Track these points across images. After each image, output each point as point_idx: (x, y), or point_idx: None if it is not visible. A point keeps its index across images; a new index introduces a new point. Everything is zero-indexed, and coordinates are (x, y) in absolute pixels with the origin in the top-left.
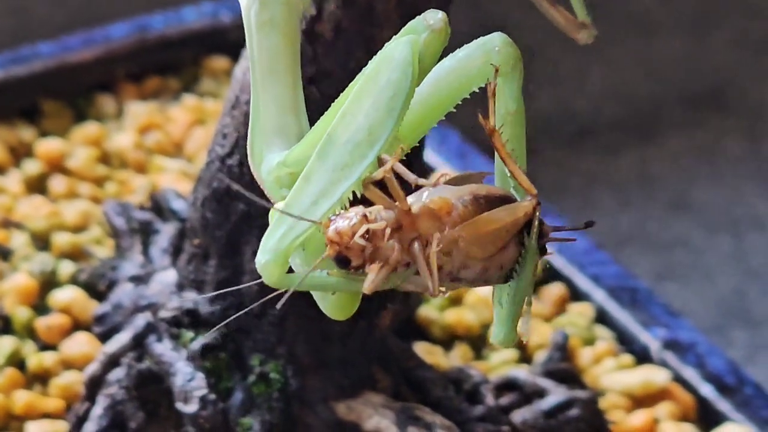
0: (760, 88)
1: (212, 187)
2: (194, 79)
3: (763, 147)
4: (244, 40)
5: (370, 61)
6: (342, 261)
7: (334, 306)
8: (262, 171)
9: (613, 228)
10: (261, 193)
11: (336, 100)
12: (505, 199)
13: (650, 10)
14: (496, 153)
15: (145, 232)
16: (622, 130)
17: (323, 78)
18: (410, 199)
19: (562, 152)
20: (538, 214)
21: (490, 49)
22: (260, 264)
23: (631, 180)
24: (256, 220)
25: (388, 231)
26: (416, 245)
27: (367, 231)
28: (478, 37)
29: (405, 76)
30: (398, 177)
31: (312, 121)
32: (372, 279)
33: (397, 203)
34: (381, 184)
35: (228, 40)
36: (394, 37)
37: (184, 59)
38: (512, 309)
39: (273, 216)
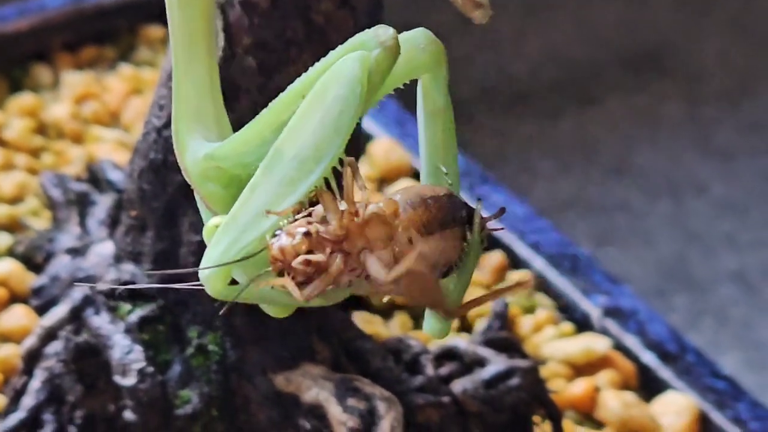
0: (699, 51)
1: (149, 158)
2: (131, 48)
3: (702, 111)
4: None
5: (317, 74)
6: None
7: (275, 308)
8: (187, 161)
9: (553, 193)
10: None
11: (274, 102)
12: (451, 196)
13: None
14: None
15: (82, 204)
16: (560, 95)
17: (259, 48)
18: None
19: (500, 118)
20: (479, 207)
21: (415, 46)
22: (204, 276)
23: (570, 145)
24: (193, 191)
25: (329, 250)
26: (366, 255)
27: (310, 251)
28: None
29: (353, 93)
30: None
31: (250, 102)
32: (309, 290)
33: (344, 210)
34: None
35: (164, 9)
36: (340, 47)
37: (120, 28)
38: (452, 300)
39: (209, 228)
